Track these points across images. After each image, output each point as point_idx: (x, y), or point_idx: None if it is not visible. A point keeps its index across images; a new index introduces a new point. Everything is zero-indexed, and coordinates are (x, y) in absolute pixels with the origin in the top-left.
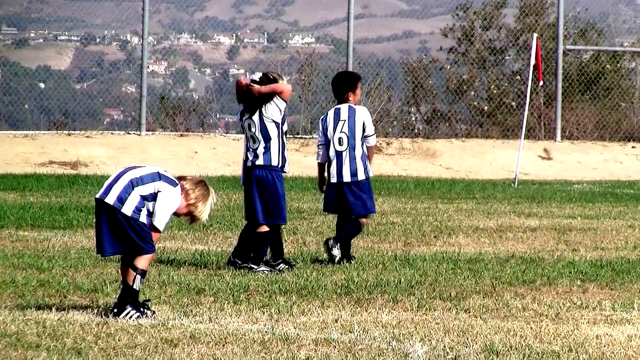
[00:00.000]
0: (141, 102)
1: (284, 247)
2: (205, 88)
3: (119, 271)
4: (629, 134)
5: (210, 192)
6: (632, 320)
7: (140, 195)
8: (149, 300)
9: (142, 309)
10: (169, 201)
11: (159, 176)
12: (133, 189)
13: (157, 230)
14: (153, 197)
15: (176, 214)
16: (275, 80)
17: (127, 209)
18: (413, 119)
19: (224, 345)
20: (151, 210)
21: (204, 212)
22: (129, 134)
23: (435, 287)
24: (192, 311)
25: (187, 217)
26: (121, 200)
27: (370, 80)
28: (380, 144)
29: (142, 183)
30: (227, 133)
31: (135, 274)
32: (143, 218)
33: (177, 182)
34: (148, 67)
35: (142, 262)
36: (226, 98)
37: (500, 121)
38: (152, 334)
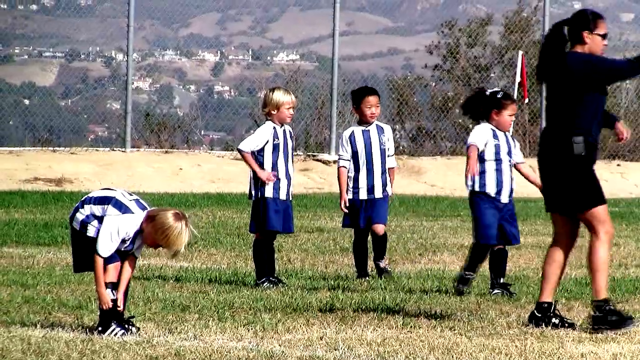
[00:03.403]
0: (126, 119)
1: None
2: (190, 105)
3: None
4: (613, 151)
5: (181, 221)
6: (617, 339)
7: (91, 213)
8: (133, 317)
9: (126, 326)
10: (109, 226)
11: (111, 200)
12: (83, 206)
13: (99, 255)
14: (100, 219)
15: (148, 245)
16: None
17: (76, 223)
18: (398, 136)
19: None
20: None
21: (173, 243)
22: (113, 150)
23: (420, 304)
24: (176, 328)
25: (159, 247)
26: (73, 215)
27: None
28: None
29: (92, 202)
30: (211, 150)
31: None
32: (91, 233)
33: (132, 210)
34: (133, 83)
35: (106, 275)
36: (211, 115)
37: None
38: (136, 351)
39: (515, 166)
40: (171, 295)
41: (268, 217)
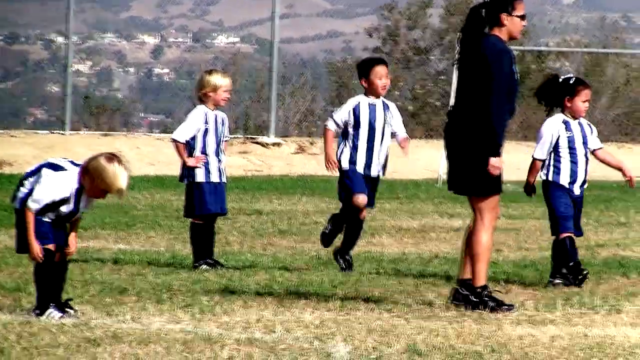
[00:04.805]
0: (65, 102)
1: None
2: (129, 87)
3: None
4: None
5: (114, 161)
6: (555, 321)
7: (30, 188)
8: (71, 299)
9: (64, 309)
10: (44, 182)
11: (45, 165)
12: (22, 183)
13: (29, 209)
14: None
15: (95, 196)
16: None
17: (17, 202)
18: None
19: (146, 345)
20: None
21: (113, 184)
22: (53, 133)
23: (358, 287)
24: (114, 311)
25: (106, 194)
26: (14, 196)
27: (295, 80)
28: (304, 143)
29: (29, 176)
30: (150, 132)
31: None
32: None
33: (66, 167)
34: (72, 66)
35: None
36: (150, 97)
37: (425, 121)
38: (74, 333)
39: (593, 153)
40: (109, 277)
41: (203, 200)
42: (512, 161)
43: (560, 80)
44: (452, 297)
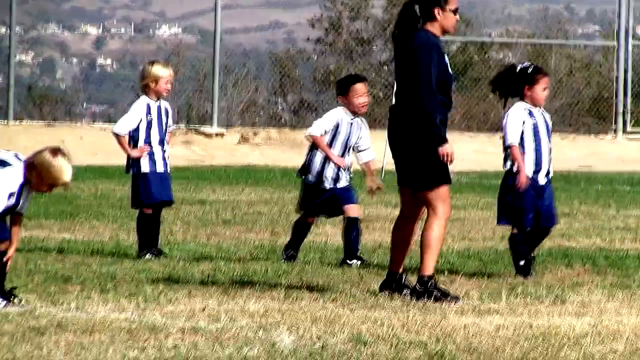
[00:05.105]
0: (8, 92)
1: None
2: (72, 78)
3: None
4: (496, 125)
5: (58, 155)
6: (499, 311)
7: None
8: (15, 287)
9: (9, 297)
10: None
11: None
12: None
13: None
14: None
15: (42, 191)
16: None
17: None
18: (280, 109)
19: (91, 334)
20: None
21: (60, 177)
22: None
23: (302, 276)
24: (59, 299)
25: (53, 188)
26: None
27: (237, 70)
28: (247, 133)
29: None
30: (94, 122)
31: None
32: None
33: (11, 162)
34: (15, 56)
35: None
36: (93, 88)
37: (368, 112)
38: (19, 322)
39: None
40: (53, 266)
41: (149, 190)
42: (456, 152)
43: (518, 69)
44: (384, 286)
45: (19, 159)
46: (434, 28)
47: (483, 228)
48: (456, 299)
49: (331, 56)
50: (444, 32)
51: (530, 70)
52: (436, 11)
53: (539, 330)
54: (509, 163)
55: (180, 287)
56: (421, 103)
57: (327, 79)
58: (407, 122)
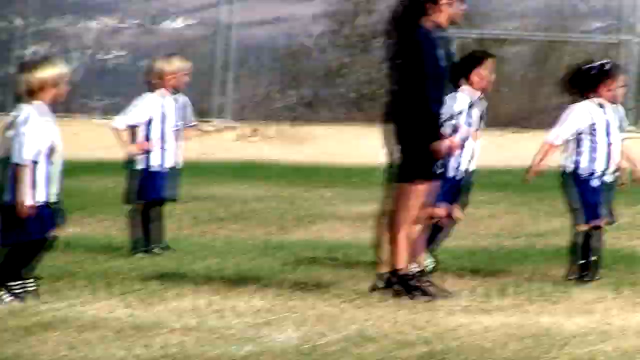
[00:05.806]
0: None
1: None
2: (85, 70)
3: None
4: (506, 120)
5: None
6: (489, 311)
7: None
8: (39, 278)
9: (19, 289)
10: None
11: None
12: None
13: None
14: None
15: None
16: None
17: None
18: (293, 102)
19: (80, 333)
20: None
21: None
22: None
23: (290, 276)
24: (49, 298)
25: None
26: None
27: (239, 66)
28: (258, 127)
29: None
30: (107, 115)
31: None
32: None
33: None
34: (29, 47)
35: None
36: (105, 80)
37: (366, 108)
38: (7, 320)
39: None
40: (44, 265)
41: (142, 187)
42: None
43: (594, 67)
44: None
45: None
46: (428, 23)
47: (484, 225)
48: (432, 297)
49: (344, 50)
50: (438, 26)
51: (607, 67)
52: (429, 6)
53: (529, 331)
54: (569, 161)
55: (171, 286)
56: (422, 97)
57: (338, 73)
58: (402, 113)
